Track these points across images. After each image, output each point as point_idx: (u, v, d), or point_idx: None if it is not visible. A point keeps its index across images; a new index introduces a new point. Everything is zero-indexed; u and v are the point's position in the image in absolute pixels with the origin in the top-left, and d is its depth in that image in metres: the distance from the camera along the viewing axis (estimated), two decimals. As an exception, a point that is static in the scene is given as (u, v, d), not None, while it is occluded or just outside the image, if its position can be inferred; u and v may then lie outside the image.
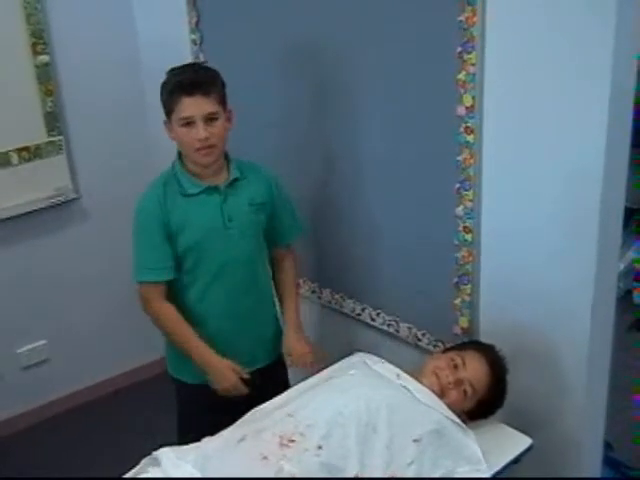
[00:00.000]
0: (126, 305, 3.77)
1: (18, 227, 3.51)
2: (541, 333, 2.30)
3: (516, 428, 2.27)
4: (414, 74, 2.41)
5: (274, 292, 2.72)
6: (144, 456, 2.10)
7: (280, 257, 2.70)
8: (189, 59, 3.32)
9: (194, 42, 3.29)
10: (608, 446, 2.70)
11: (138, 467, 2.08)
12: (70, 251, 3.70)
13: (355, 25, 2.55)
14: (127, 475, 2.07)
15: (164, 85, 2.39)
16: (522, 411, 2.35)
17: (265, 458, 1.95)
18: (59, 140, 3.51)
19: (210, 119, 2.34)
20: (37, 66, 3.39)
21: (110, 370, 3.95)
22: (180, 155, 2.47)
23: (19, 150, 3.41)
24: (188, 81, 2.33)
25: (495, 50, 2.17)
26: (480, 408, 2.23)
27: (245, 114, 3.07)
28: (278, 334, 2.67)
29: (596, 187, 2.05)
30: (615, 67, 1.93)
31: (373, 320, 2.84)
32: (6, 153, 3.38)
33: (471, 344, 2.36)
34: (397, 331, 2.75)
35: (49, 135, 3.48)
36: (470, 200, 2.35)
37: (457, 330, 2.51)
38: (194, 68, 2.46)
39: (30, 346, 3.70)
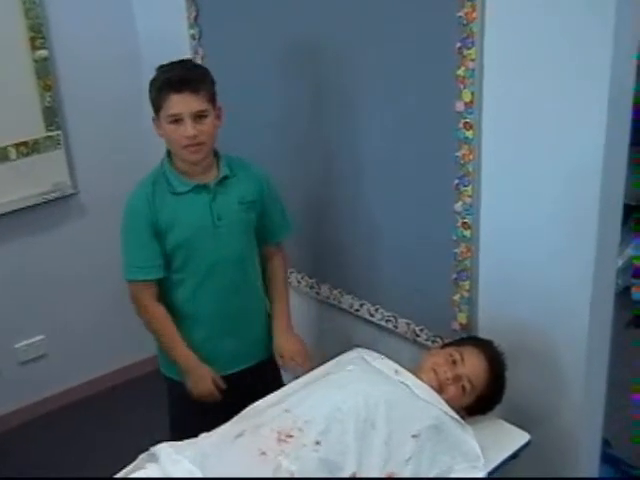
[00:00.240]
0: (123, 301, 3.75)
1: (16, 222, 3.51)
2: (540, 329, 2.30)
3: (514, 424, 2.27)
4: (413, 70, 2.41)
5: (265, 290, 2.70)
6: (141, 452, 2.10)
7: (269, 255, 2.68)
8: (188, 54, 3.31)
9: (193, 37, 3.29)
10: (606, 443, 2.70)
11: (135, 462, 2.08)
12: (68, 246, 3.70)
13: (355, 20, 2.54)
14: (125, 470, 2.07)
15: (153, 82, 2.38)
16: (520, 407, 2.35)
17: (263, 454, 1.95)
18: (57, 135, 3.50)
19: (199, 117, 2.33)
20: (36, 61, 3.39)
21: (107, 366, 3.95)
22: (169, 153, 2.46)
23: (17, 145, 3.40)
24: (177, 78, 2.32)
25: (494, 46, 2.16)
26: (479, 404, 2.23)
27: (244, 111, 3.08)
28: (270, 332, 2.66)
29: (595, 184, 2.05)
30: (614, 65, 1.93)
31: (372, 316, 2.83)
32: (4, 148, 3.37)
33: (469, 340, 2.36)
34: (395, 327, 2.75)
35: (47, 130, 3.48)
36: (469, 196, 2.34)
37: (456, 326, 2.51)
38: (183, 65, 2.44)
39: (28, 341, 3.70)
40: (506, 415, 2.31)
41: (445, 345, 2.39)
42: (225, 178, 2.46)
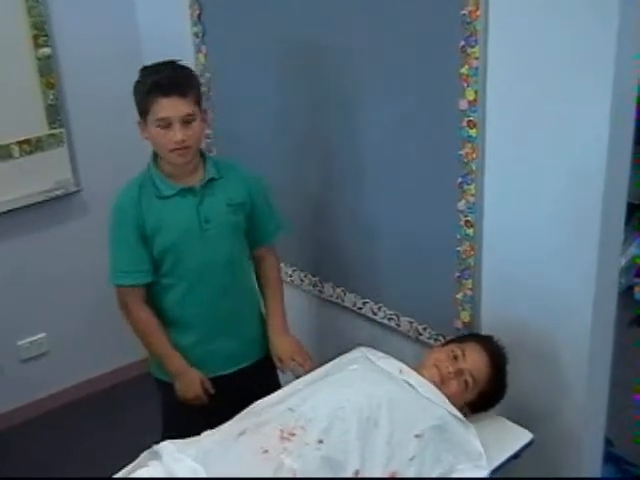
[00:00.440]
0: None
1: (19, 220, 3.51)
2: (542, 328, 2.30)
3: (517, 423, 2.27)
4: (416, 68, 2.40)
5: (258, 291, 2.68)
6: (142, 450, 2.10)
7: (261, 257, 2.65)
8: (191, 52, 3.31)
9: (196, 35, 3.28)
10: (608, 442, 2.70)
11: (138, 460, 2.08)
12: (71, 244, 3.70)
13: (358, 18, 2.54)
14: (127, 468, 2.07)
15: (138, 84, 2.36)
16: (523, 406, 2.35)
17: (266, 452, 1.95)
18: (60, 133, 3.50)
19: (187, 120, 2.31)
20: (39, 59, 3.39)
21: (108, 364, 3.94)
22: (155, 156, 2.44)
23: (20, 143, 3.40)
24: (166, 81, 2.29)
25: (498, 44, 2.16)
26: (481, 399, 2.23)
27: (246, 109, 3.08)
28: (264, 331, 2.65)
29: (599, 182, 2.05)
30: (618, 63, 1.93)
31: (374, 314, 2.83)
32: (7, 146, 3.37)
33: (471, 336, 2.38)
34: (398, 325, 2.74)
35: (50, 128, 3.48)
36: (472, 194, 2.34)
37: (458, 324, 2.51)
38: (170, 67, 2.40)
39: (30, 339, 3.70)
40: (509, 414, 2.31)
41: (447, 342, 2.39)
42: (212, 180, 2.43)
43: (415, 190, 2.54)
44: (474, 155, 2.30)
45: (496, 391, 2.26)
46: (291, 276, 3.14)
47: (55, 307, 3.74)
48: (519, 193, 2.24)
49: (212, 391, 2.48)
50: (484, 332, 2.42)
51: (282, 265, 3.12)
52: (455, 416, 2.11)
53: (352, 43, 2.58)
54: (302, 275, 3.10)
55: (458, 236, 2.42)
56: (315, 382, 2.27)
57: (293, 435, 1.98)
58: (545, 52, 2.06)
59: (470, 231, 2.38)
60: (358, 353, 2.42)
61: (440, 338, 2.57)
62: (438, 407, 2.10)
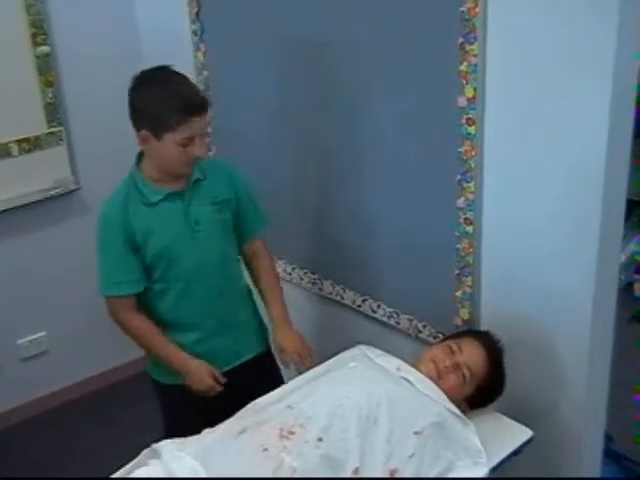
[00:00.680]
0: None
1: (18, 219, 3.50)
2: (542, 325, 2.30)
3: (517, 420, 2.27)
4: (415, 66, 2.40)
5: (251, 286, 2.68)
6: (143, 448, 2.10)
7: (253, 253, 2.63)
8: (190, 50, 3.31)
9: (195, 33, 3.28)
10: (608, 438, 2.70)
11: (138, 459, 2.08)
12: (70, 242, 3.69)
13: (356, 15, 2.54)
14: (127, 466, 2.07)
15: (166, 101, 2.23)
16: (523, 403, 2.35)
17: (265, 450, 1.95)
18: (59, 131, 3.50)
19: (203, 134, 2.31)
20: (37, 57, 3.38)
21: (109, 362, 3.95)
22: (138, 162, 2.41)
23: (19, 141, 3.40)
24: (197, 100, 2.25)
25: (497, 41, 2.16)
26: (480, 394, 2.24)
27: (245, 107, 3.08)
28: (260, 326, 2.66)
29: (598, 179, 2.05)
30: (617, 61, 1.93)
31: (374, 312, 2.83)
32: (6, 144, 3.37)
33: (467, 332, 2.39)
34: (398, 323, 2.74)
35: (49, 126, 3.47)
36: (471, 192, 2.34)
37: (458, 322, 2.51)
38: (185, 81, 2.31)
39: (30, 338, 3.70)
40: (508, 411, 2.31)
41: (443, 339, 2.40)
42: (197, 181, 2.41)
43: (414, 188, 2.53)
44: (473, 152, 2.29)
45: (494, 385, 2.26)
46: (290, 274, 3.14)
47: (55, 306, 3.74)
48: (518, 190, 2.24)
49: (223, 380, 2.46)
50: (483, 329, 2.42)
51: (282, 263, 3.13)
52: (454, 413, 2.12)
53: (351, 41, 2.58)
54: (301, 273, 3.10)
55: (457, 234, 2.42)
56: (314, 380, 2.27)
57: (292, 433, 1.98)
58: (544, 49, 2.05)
59: (469, 229, 2.38)
60: (357, 351, 2.42)
61: (439, 335, 2.57)
62: (437, 404, 2.11)
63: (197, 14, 3.24)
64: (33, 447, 3.55)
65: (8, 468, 3.37)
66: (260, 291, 2.65)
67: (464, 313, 2.49)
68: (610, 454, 2.83)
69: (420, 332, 2.66)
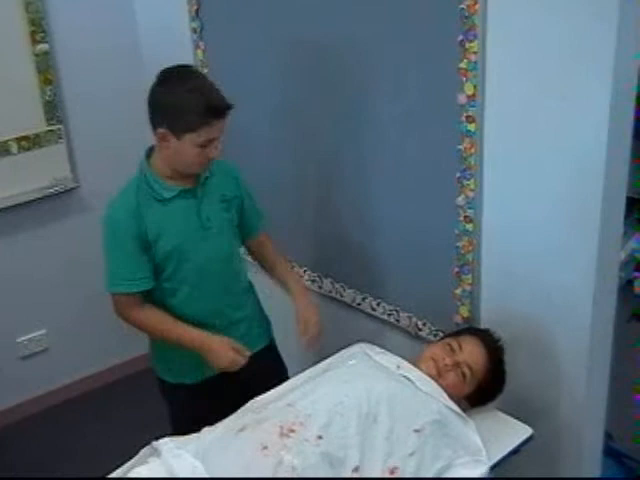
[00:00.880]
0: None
1: (17, 216, 3.50)
2: (542, 323, 2.30)
3: (517, 418, 2.27)
4: (415, 63, 2.40)
5: (252, 282, 2.68)
6: (143, 446, 2.10)
7: (258, 244, 2.65)
8: (189, 48, 3.31)
9: (194, 30, 3.28)
10: (608, 436, 2.70)
11: (137, 457, 2.08)
12: (69, 240, 3.69)
13: (356, 13, 2.54)
14: (127, 464, 2.07)
15: (188, 102, 2.21)
16: (523, 401, 2.35)
17: (265, 448, 1.95)
18: (58, 129, 3.50)
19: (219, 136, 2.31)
20: (36, 55, 3.38)
21: (108, 361, 3.95)
22: (148, 157, 2.39)
23: (18, 139, 3.40)
24: (221, 104, 2.25)
25: (497, 39, 2.15)
26: (480, 392, 2.23)
27: (245, 105, 3.06)
28: (264, 320, 2.68)
29: (598, 177, 2.05)
30: (617, 58, 1.92)
31: (374, 310, 2.83)
32: (5, 142, 3.37)
33: (467, 330, 2.38)
34: (397, 321, 2.74)
35: (48, 124, 3.47)
36: (471, 190, 2.34)
37: (458, 320, 2.51)
38: (209, 83, 2.31)
39: (29, 336, 3.70)
40: (508, 409, 2.31)
41: (443, 337, 2.40)
42: (206, 179, 2.41)
43: (414, 185, 2.53)
44: (473, 150, 2.29)
45: (494, 383, 2.26)
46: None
47: (54, 304, 3.74)
48: (518, 188, 2.24)
49: (246, 352, 2.39)
50: (483, 327, 2.42)
51: (281, 261, 3.12)
52: (454, 411, 2.12)
53: (352, 39, 2.58)
54: (301, 271, 3.10)
55: (457, 231, 2.42)
56: (314, 378, 2.27)
57: (292, 431, 1.98)
58: (544, 47, 2.05)
59: (469, 226, 2.38)
60: (357, 349, 2.42)
61: (439, 333, 2.57)
62: (437, 402, 2.11)
63: (197, 12, 3.23)
64: (32, 446, 3.55)
65: (7, 467, 3.38)
66: (274, 273, 2.65)
67: (464, 311, 2.49)
68: (610, 452, 2.83)
69: (420, 330, 2.66)
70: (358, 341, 2.50)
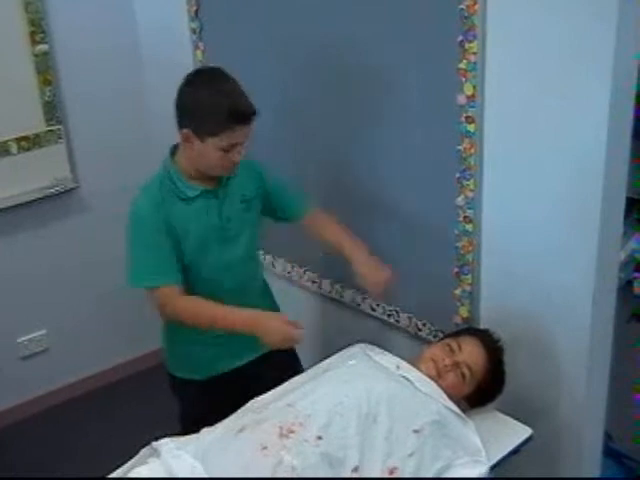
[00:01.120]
0: (126, 295, 3.76)
1: (17, 217, 3.50)
2: (542, 323, 2.30)
3: (516, 418, 2.27)
4: (415, 63, 2.40)
5: (267, 281, 2.68)
6: (143, 447, 2.10)
7: (310, 223, 2.56)
8: (189, 48, 3.31)
9: (193, 31, 3.28)
10: (608, 436, 2.70)
11: (137, 457, 2.08)
12: (69, 241, 3.69)
13: (356, 13, 2.54)
14: (126, 465, 2.07)
15: (213, 106, 2.20)
16: (522, 401, 2.35)
17: (265, 448, 1.95)
18: (58, 129, 3.49)
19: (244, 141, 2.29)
20: (36, 55, 3.38)
21: (108, 361, 3.94)
22: (172, 155, 2.38)
23: (18, 139, 3.39)
24: (247, 110, 2.23)
25: (496, 39, 2.16)
26: (479, 392, 2.23)
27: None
28: None
29: (598, 177, 2.05)
30: (617, 58, 1.92)
31: (373, 310, 2.83)
32: (5, 142, 3.37)
33: (466, 330, 2.38)
34: (397, 321, 2.74)
35: (48, 124, 3.47)
36: (471, 190, 2.34)
37: (457, 320, 2.51)
38: (238, 88, 2.27)
39: (29, 336, 3.70)
40: (508, 409, 2.30)
41: (443, 338, 2.39)
42: (228, 179, 2.40)
43: (414, 186, 2.53)
44: (472, 150, 2.29)
45: (494, 384, 2.26)
46: (290, 272, 3.14)
47: (54, 304, 3.74)
48: (518, 188, 2.24)
49: (301, 325, 2.25)
50: (483, 327, 2.42)
51: (281, 262, 3.13)
52: (453, 411, 2.12)
53: (351, 39, 2.58)
54: (301, 271, 3.10)
55: (457, 232, 2.42)
56: (314, 378, 2.27)
57: (292, 432, 1.98)
58: (544, 47, 2.05)
59: (469, 227, 2.38)
60: (357, 349, 2.42)
61: (439, 334, 2.57)
62: (436, 402, 2.10)
63: (196, 12, 3.23)
64: (33, 446, 3.54)
65: (8, 467, 3.38)
66: (329, 243, 2.54)
67: (464, 311, 2.49)
68: (610, 453, 2.83)
69: (420, 330, 2.66)
70: (358, 341, 2.50)
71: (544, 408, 2.36)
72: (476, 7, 2.15)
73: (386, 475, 1.95)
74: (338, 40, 2.63)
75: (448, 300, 2.51)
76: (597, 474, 2.52)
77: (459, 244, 2.43)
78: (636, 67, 2.04)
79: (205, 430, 2.13)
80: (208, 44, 3.24)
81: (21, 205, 3.48)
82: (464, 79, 2.25)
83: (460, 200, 2.37)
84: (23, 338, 3.69)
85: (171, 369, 2.59)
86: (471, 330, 2.37)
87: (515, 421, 2.26)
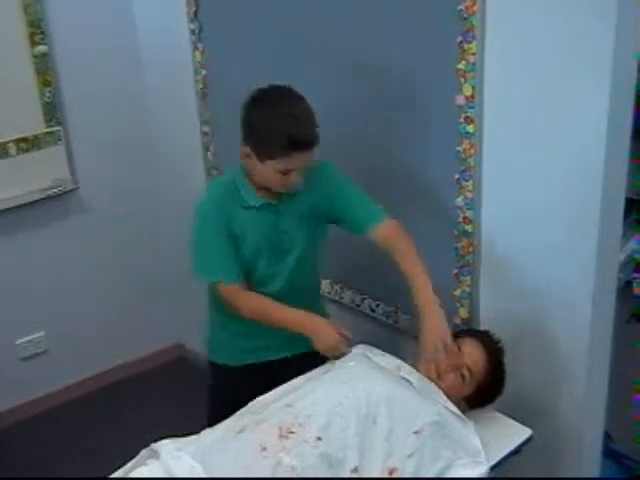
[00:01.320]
0: (125, 296, 3.77)
1: (16, 218, 3.50)
2: (541, 324, 2.30)
3: (516, 419, 2.27)
4: (413, 64, 2.40)
5: (320, 287, 2.69)
6: (143, 448, 2.09)
7: (382, 239, 2.40)
8: (188, 49, 3.31)
9: (193, 32, 3.28)
10: (607, 436, 2.70)
11: (136, 459, 2.08)
12: (69, 242, 3.69)
13: (355, 13, 2.54)
14: (126, 466, 2.07)
15: (273, 130, 2.20)
16: (522, 402, 2.35)
17: (264, 449, 1.95)
18: (57, 131, 3.49)
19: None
20: (35, 56, 3.38)
21: (108, 362, 3.95)
22: (245, 169, 2.37)
23: (17, 141, 3.40)
24: (308, 139, 2.21)
25: (495, 40, 2.16)
26: (479, 394, 2.23)
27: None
28: None
29: (597, 178, 2.05)
30: (616, 58, 1.93)
31: (373, 311, 2.83)
32: (4, 144, 3.37)
33: (467, 331, 2.38)
34: (396, 322, 2.74)
35: (47, 126, 3.47)
36: (470, 191, 2.34)
37: (457, 321, 2.51)
38: (306, 115, 2.25)
39: (28, 337, 3.70)
40: (507, 410, 2.30)
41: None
42: (291, 195, 2.38)
43: (413, 186, 2.53)
44: (472, 151, 2.29)
45: (494, 385, 2.26)
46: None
47: (54, 305, 3.74)
48: (517, 189, 2.24)
49: (349, 335, 2.31)
50: (482, 328, 2.42)
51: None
52: (453, 412, 2.11)
53: (350, 39, 2.58)
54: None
55: (456, 232, 2.42)
56: (314, 379, 2.26)
57: (292, 433, 1.97)
58: (543, 48, 2.05)
59: (468, 227, 2.38)
60: (356, 350, 2.41)
61: (439, 334, 2.56)
62: (436, 403, 2.10)
63: (195, 13, 3.23)
64: (32, 446, 3.55)
65: (8, 467, 3.38)
66: (399, 269, 2.39)
67: (463, 312, 2.49)
68: (609, 453, 2.83)
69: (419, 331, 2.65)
70: (357, 342, 2.50)
71: (544, 408, 2.36)
72: (475, 8, 2.15)
73: (386, 475, 1.95)
74: (337, 41, 2.63)
75: (448, 301, 2.50)
76: (597, 474, 2.52)
77: (458, 245, 2.43)
78: (635, 67, 2.04)
79: (205, 431, 2.13)
80: (207, 45, 3.24)
81: (21, 206, 3.48)
82: (463, 80, 2.25)
83: (459, 201, 2.38)
84: (22, 339, 3.69)
85: (211, 357, 2.64)
86: (471, 331, 2.36)
87: (515, 422, 2.26)
